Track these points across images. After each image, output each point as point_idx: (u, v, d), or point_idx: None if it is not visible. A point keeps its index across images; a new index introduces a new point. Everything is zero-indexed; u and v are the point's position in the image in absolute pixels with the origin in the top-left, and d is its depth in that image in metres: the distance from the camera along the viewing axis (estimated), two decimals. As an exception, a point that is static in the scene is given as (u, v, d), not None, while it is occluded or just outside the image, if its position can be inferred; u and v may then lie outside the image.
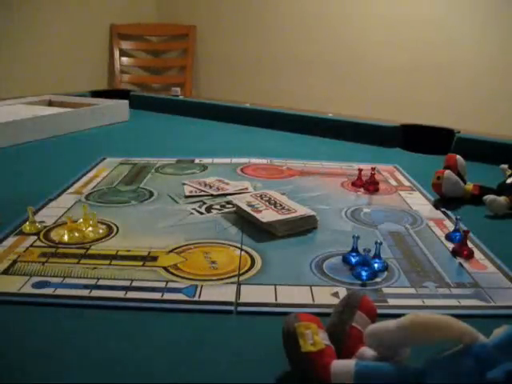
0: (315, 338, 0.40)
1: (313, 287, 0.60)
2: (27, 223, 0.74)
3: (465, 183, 0.92)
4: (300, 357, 0.39)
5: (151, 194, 0.92)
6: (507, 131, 1.49)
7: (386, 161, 1.18)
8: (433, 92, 2.92)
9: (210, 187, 0.94)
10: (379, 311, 0.47)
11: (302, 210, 0.77)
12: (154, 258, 0.66)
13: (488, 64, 2.77)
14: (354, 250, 0.66)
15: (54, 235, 0.72)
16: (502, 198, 0.85)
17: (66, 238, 0.71)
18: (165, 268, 0.64)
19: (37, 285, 0.59)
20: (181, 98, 1.82)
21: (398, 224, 0.81)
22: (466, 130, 1.31)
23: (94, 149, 1.24)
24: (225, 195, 0.90)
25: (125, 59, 3.46)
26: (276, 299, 0.57)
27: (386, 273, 0.64)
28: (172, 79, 3.52)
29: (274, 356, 0.44)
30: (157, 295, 0.57)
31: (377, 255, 0.65)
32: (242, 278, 0.62)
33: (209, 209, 0.85)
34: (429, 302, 0.58)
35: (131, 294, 0.57)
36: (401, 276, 0.63)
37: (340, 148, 1.33)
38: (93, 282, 0.60)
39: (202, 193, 0.92)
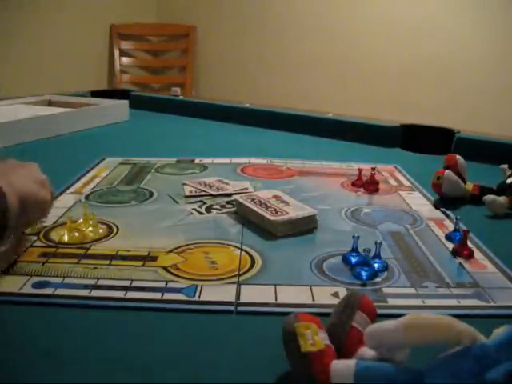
0: (315, 338, 0.40)
1: (313, 287, 0.60)
2: None
3: (465, 183, 0.92)
4: (300, 357, 0.39)
5: (151, 194, 0.92)
6: (507, 131, 1.49)
7: (386, 161, 1.18)
8: (433, 92, 2.92)
9: (210, 187, 0.94)
10: (379, 311, 0.47)
11: (302, 210, 0.77)
12: (154, 258, 0.66)
13: (489, 64, 2.77)
14: (354, 249, 0.67)
15: (53, 235, 0.72)
16: (502, 198, 0.85)
17: (66, 238, 0.71)
18: (165, 268, 0.64)
19: (37, 285, 0.59)
20: (181, 98, 1.82)
21: (397, 224, 0.81)
22: (466, 130, 1.31)
23: (94, 149, 1.24)
24: (225, 195, 0.90)
25: (125, 59, 3.46)
26: (276, 299, 0.57)
27: (385, 273, 0.64)
28: (172, 79, 3.52)
29: (274, 356, 0.44)
30: (157, 295, 0.57)
31: (377, 255, 0.65)
32: (241, 278, 0.62)
33: (209, 209, 0.85)
34: (429, 301, 0.58)
35: (131, 294, 0.57)
36: (401, 276, 0.63)
37: (340, 148, 1.33)
38: (93, 281, 0.60)
39: (202, 193, 0.92)
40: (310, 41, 3.23)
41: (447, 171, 0.90)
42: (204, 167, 1.10)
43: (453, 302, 0.58)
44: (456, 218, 0.77)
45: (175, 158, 1.16)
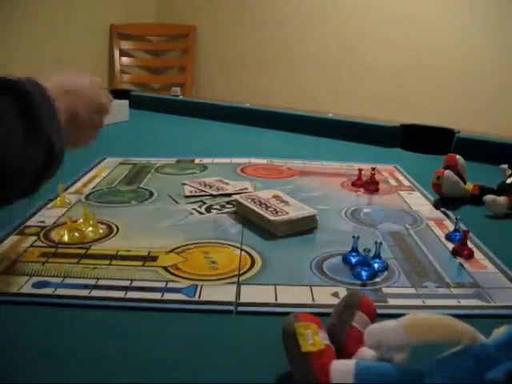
0: (315, 338, 0.40)
1: (313, 287, 0.60)
2: (58, 199, 0.84)
3: (465, 183, 0.92)
4: (300, 357, 0.39)
5: (151, 194, 0.92)
6: (507, 131, 1.49)
7: (386, 161, 1.18)
8: (433, 92, 2.92)
9: (210, 187, 0.94)
10: (379, 311, 0.47)
11: (302, 210, 0.77)
12: (154, 258, 0.66)
13: (488, 64, 2.77)
14: (354, 249, 0.67)
15: (54, 235, 0.72)
16: (502, 198, 0.85)
17: (65, 238, 0.71)
18: (165, 268, 0.64)
19: (37, 285, 0.59)
20: (181, 98, 1.82)
21: (397, 224, 0.81)
22: (466, 130, 1.31)
23: (94, 149, 1.24)
24: (225, 195, 0.90)
25: (125, 59, 3.46)
26: (276, 299, 0.57)
27: (385, 273, 0.64)
28: (172, 79, 3.52)
29: (274, 356, 0.44)
30: (157, 295, 0.57)
31: (377, 255, 0.65)
32: (242, 278, 0.62)
33: (209, 209, 0.85)
34: (429, 301, 0.58)
35: (131, 294, 0.57)
36: (401, 276, 0.63)
37: (340, 148, 1.33)
38: (93, 281, 0.60)
39: (202, 193, 0.92)
40: (310, 41, 3.22)
41: (447, 171, 0.90)
42: (204, 167, 1.10)
43: (453, 301, 0.58)
44: (456, 218, 0.77)
45: (175, 157, 1.16)
